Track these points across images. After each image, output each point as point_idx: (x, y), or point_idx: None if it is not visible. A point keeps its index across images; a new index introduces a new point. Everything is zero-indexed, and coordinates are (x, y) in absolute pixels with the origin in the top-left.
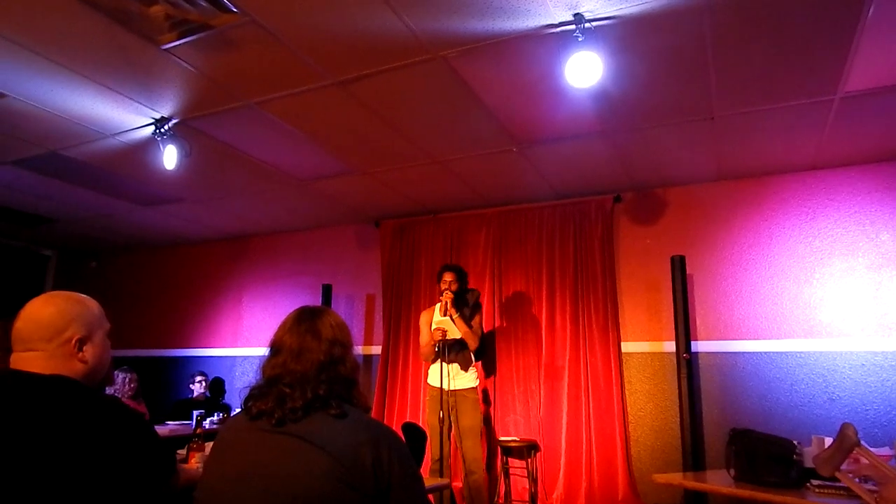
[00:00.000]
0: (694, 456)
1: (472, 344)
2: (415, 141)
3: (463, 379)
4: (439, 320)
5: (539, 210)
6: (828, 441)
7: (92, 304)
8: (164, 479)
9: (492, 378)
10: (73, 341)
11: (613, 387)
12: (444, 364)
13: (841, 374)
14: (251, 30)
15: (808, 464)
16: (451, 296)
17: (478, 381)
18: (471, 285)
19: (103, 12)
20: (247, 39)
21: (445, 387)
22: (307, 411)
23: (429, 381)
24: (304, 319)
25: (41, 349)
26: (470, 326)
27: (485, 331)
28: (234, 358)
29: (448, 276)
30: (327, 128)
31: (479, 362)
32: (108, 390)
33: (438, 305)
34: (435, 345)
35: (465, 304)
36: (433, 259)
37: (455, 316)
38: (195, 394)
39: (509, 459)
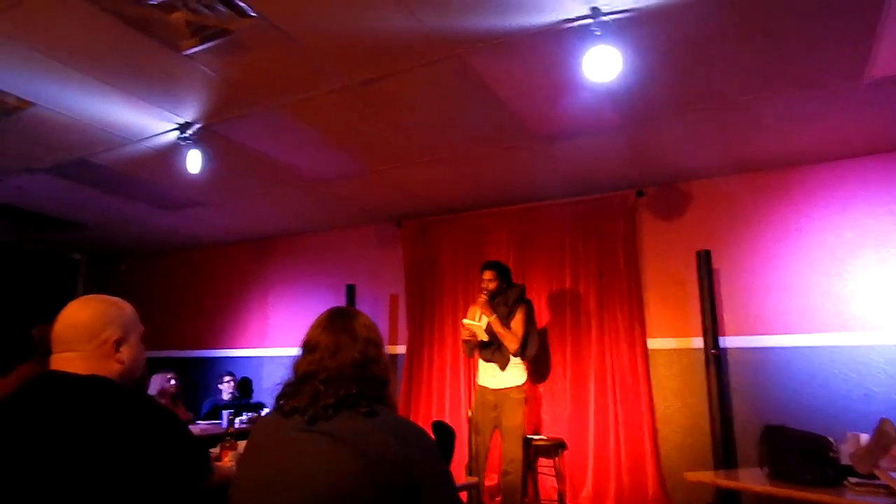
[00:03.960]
0: (725, 454)
1: (510, 345)
2: (432, 139)
3: (504, 378)
4: (468, 323)
5: (560, 207)
6: (864, 438)
7: (127, 307)
8: (199, 478)
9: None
10: (111, 342)
11: (640, 384)
12: (483, 363)
13: (876, 368)
14: (269, 33)
15: (845, 461)
16: (485, 298)
17: (524, 378)
18: None
19: (126, 21)
20: (265, 43)
21: (489, 385)
22: (338, 409)
23: (477, 379)
24: (338, 319)
25: (80, 350)
26: (507, 327)
27: (535, 328)
28: (261, 358)
29: (486, 275)
30: (345, 129)
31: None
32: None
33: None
34: (468, 343)
35: (505, 303)
36: (455, 258)
37: (492, 318)
38: (223, 394)
39: (537, 458)
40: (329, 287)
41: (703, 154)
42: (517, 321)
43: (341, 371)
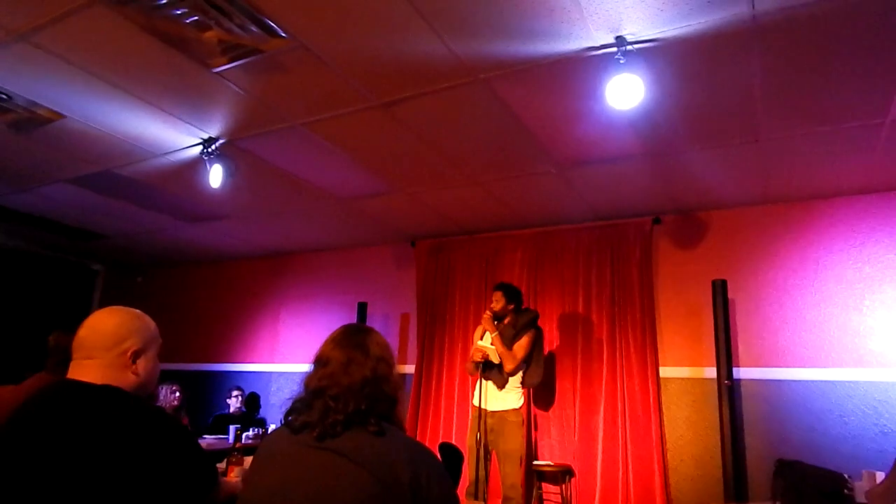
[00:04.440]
0: (736, 488)
1: (506, 365)
2: (454, 162)
3: (501, 400)
4: (483, 345)
5: (576, 231)
6: (879, 476)
7: (149, 321)
8: (206, 491)
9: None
10: (130, 353)
11: (651, 413)
12: (481, 382)
13: (893, 405)
14: (299, 54)
15: (860, 499)
16: (489, 315)
17: (521, 402)
18: None
19: (159, 37)
20: (295, 63)
21: (485, 407)
22: (347, 426)
23: (472, 399)
24: (351, 335)
25: (99, 357)
26: (509, 348)
27: (541, 356)
28: (270, 374)
29: (495, 295)
30: (369, 148)
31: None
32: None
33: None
34: (475, 364)
35: (513, 325)
36: (468, 279)
37: (493, 335)
38: (231, 408)
39: (543, 484)
40: (341, 304)
41: (722, 184)
42: (521, 344)
43: (351, 387)
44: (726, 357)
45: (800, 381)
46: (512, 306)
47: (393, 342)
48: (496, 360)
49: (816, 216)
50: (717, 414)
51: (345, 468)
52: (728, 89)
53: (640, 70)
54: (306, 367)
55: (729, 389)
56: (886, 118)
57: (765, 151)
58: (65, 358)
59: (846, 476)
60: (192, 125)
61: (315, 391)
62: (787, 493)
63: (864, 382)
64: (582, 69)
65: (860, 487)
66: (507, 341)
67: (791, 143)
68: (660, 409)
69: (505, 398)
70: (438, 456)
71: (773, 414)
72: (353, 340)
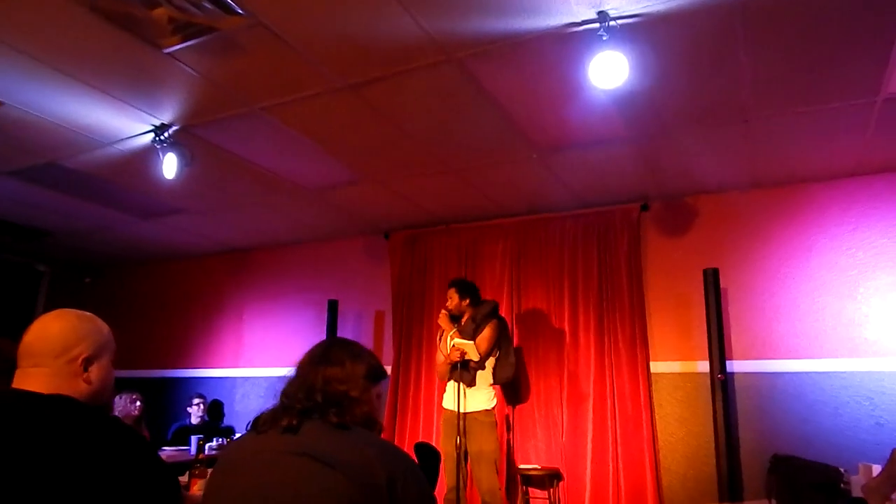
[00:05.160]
0: (731, 485)
1: (472, 357)
2: (429, 148)
3: (474, 400)
4: (460, 342)
5: (560, 220)
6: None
7: (102, 325)
8: None
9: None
10: (80, 360)
11: (642, 410)
12: (455, 383)
13: (889, 396)
14: (258, 32)
15: (856, 493)
16: (444, 313)
17: (494, 402)
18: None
19: (104, 15)
20: (253, 42)
21: (453, 409)
22: (305, 414)
23: (443, 403)
24: (321, 349)
25: (47, 365)
26: (472, 340)
27: (510, 348)
28: (234, 379)
29: (448, 293)
30: (336, 134)
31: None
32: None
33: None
34: (455, 365)
35: (473, 319)
36: (446, 273)
37: (451, 332)
38: (192, 417)
39: (529, 489)
40: (309, 303)
41: (712, 168)
42: (483, 337)
43: (309, 383)
44: (719, 350)
45: (794, 372)
46: (467, 301)
47: (367, 342)
48: (476, 357)
49: (808, 200)
50: (710, 409)
51: (318, 472)
52: (715, 68)
53: (623, 48)
54: (273, 371)
55: (722, 384)
56: (878, 97)
57: (754, 133)
58: (9, 367)
59: (842, 470)
60: (142, 111)
61: (281, 396)
62: (782, 490)
63: (858, 373)
64: (563, 47)
65: (856, 481)
66: (469, 336)
67: (781, 123)
68: (651, 406)
69: (475, 398)
70: (414, 457)
71: (767, 408)
72: (328, 353)
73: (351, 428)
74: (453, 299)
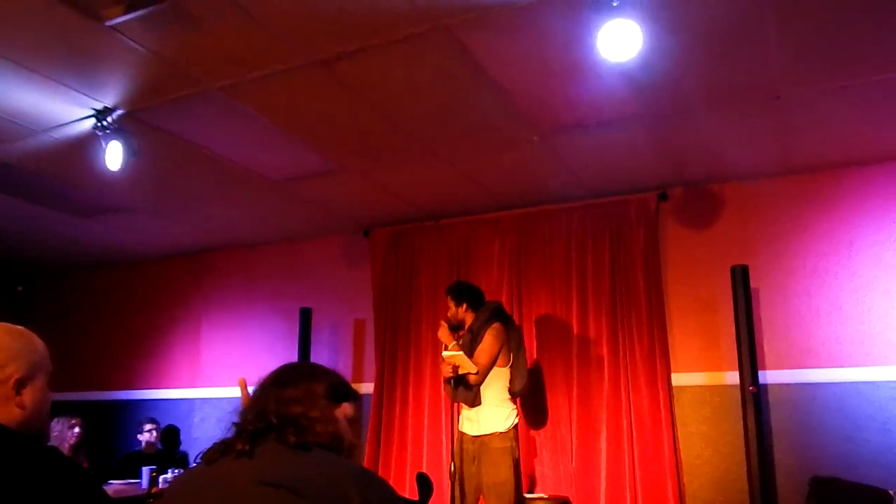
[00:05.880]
0: None
1: (472, 377)
2: (414, 131)
3: (486, 420)
4: (449, 355)
5: (567, 212)
6: None
7: (38, 342)
8: None
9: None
10: (12, 382)
11: (663, 429)
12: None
13: None
14: (214, 0)
15: None
16: (443, 326)
17: (511, 422)
18: None
19: None
20: (208, 12)
21: (467, 432)
22: (259, 435)
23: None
24: (289, 368)
25: None
26: (470, 356)
27: (522, 354)
28: (190, 401)
29: (448, 301)
30: (307, 118)
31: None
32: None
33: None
34: (448, 382)
35: (471, 328)
36: (436, 275)
37: (451, 345)
38: (144, 445)
39: None
40: (279, 312)
41: (739, 151)
42: (482, 348)
43: (266, 407)
44: (750, 359)
45: (836, 383)
46: (464, 307)
47: (345, 356)
48: (472, 370)
49: (849, 186)
50: (741, 427)
51: (278, 500)
52: (741, 37)
53: (637, 14)
54: (237, 392)
55: (754, 397)
56: None
57: (787, 111)
58: None
59: (892, 492)
60: (81, 93)
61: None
62: None
63: None
64: (568, 13)
65: None
66: (468, 349)
67: (817, 100)
68: (673, 425)
69: (487, 419)
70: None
71: (805, 423)
72: (275, 376)
73: (313, 449)
74: (450, 308)
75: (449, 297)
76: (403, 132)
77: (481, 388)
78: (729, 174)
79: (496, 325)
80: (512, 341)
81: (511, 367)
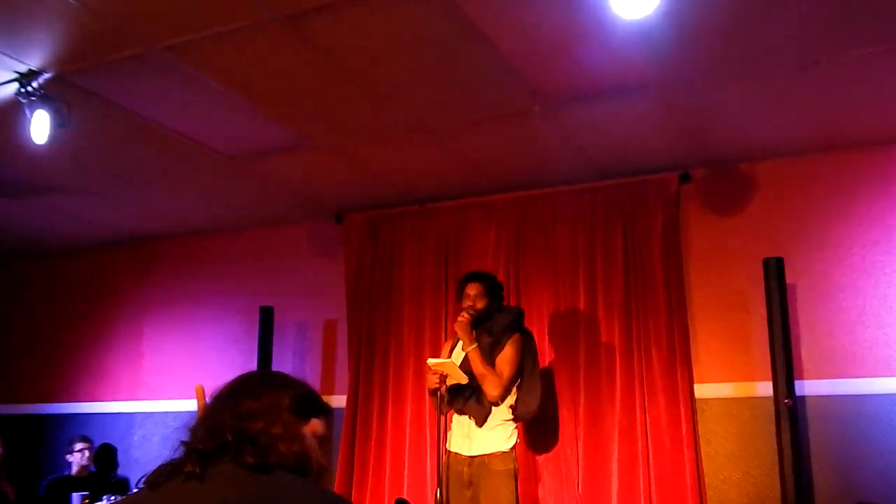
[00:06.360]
0: None
1: (490, 390)
2: (395, 99)
3: (483, 439)
4: (437, 363)
5: (573, 196)
6: None
7: None
8: None
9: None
10: None
11: (684, 448)
12: (445, 417)
13: None
14: None
15: None
16: (468, 318)
17: (513, 441)
18: None
19: None
20: None
21: (461, 451)
22: (214, 454)
23: (447, 442)
24: (249, 376)
25: None
26: (490, 363)
27: (537, 371)
28: (130, 416)
29: (471, 289)
30: (270, 83)
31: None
32: None
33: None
34: (434, 393)
35: (489, 330)
36: (421, 268)
37: (471, 349)
38: (74, 468)
39: None
40: (235, 311)
41: (772, 124)
42: (505, 357)
43: (221, 422)
44: (785, 366)
45: (885, 394)
46: (495, 305)
47: (313, 363)
48: (462, 380)
49: None
50: (775, 445)
51: None
52: None
53: None
54: (185, 405)
55: (790, 411)
56: None
57: (829, 77)
58: None
59: None
60: (2, 53)
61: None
62: None
63: None
64: None
65: None
66: (487, 353)
67: (864, 64)
68: (695, 443)
69: (488, 436)
70: None
71: (849, 441)
72: (233, 386)
73: (275, 471)
74: (481, 300)
75: (481, 286)
76: (383, 100)
77: (469, 402)
78: (761, 151)
79: (519, 335)
80: (527, 359)
81: (520, 386)
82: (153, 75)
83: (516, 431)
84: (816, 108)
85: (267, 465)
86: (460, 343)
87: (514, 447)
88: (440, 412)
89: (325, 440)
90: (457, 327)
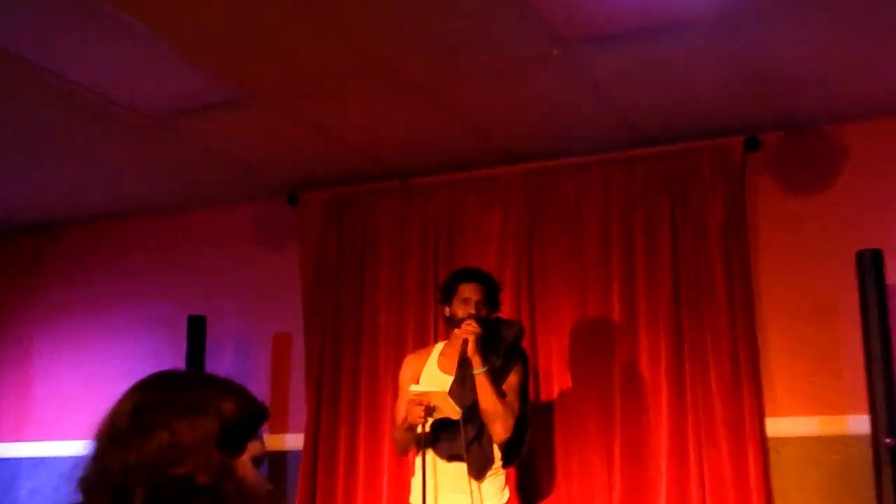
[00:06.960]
0: None
1: (502, 431)
2: (365, 40)
3: (483, 495)
4: (421, 391)
5: (604, 168)
6: None
7: None
8: None
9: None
10: None
11: (753, 501)
12: (430, 462)
13: None
14: None
15: None
16: (478, 330)
17: (507, 496)
18: None
19: None
20: None
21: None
22: None
23: (411, 499)
24: (144, 388)
25: None
26: (500, 393)
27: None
28: (15, 462)
29: (474, 292)
30: (202, 23)
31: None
32: None
33: (440, 347)
34: (413, 430)
35: (495, 349)
36: (402, 262)
37: (479, 372)
38: None
39: None
40: (156, 322)
41: (866, 75)
42: (513, 386)
43: (115, 479)
44: (886, 396)
45: None
46: (495, 315)
47: (259, 391)
48: (454, 415)
49: None
50: (873, 496)
51: None
52: None
53: None
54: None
55: (892, 452)
56: None
57: None
58: None
59: None
60: None
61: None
62: None
63: None
64: None
65: None
66: (497, 379)
67: None
68: (768, 493)
69: (487, 491)
70: None
71: None
72: (123, 411)
73: None
74: (485, 306)
75: (482, 287)
76: (349, 40)
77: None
78: (850, 111)
79: (521, 360)
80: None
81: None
82: (53, 13)
83: (506, 484)
84: None
85: None
86: (437, 360)
87: (508, 501)
88: (403, 454)
89: (260, 460)
90: (461, 338)
